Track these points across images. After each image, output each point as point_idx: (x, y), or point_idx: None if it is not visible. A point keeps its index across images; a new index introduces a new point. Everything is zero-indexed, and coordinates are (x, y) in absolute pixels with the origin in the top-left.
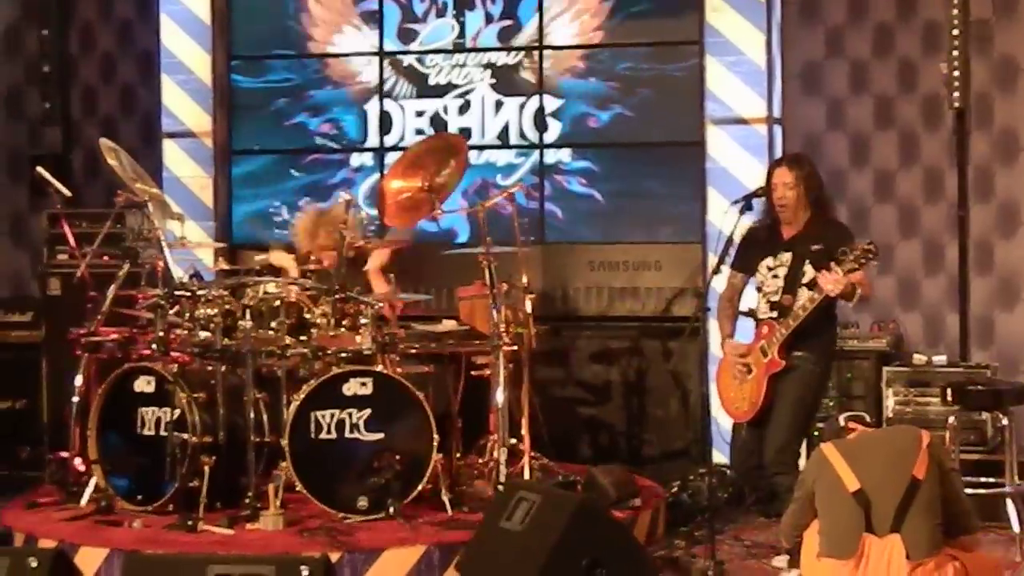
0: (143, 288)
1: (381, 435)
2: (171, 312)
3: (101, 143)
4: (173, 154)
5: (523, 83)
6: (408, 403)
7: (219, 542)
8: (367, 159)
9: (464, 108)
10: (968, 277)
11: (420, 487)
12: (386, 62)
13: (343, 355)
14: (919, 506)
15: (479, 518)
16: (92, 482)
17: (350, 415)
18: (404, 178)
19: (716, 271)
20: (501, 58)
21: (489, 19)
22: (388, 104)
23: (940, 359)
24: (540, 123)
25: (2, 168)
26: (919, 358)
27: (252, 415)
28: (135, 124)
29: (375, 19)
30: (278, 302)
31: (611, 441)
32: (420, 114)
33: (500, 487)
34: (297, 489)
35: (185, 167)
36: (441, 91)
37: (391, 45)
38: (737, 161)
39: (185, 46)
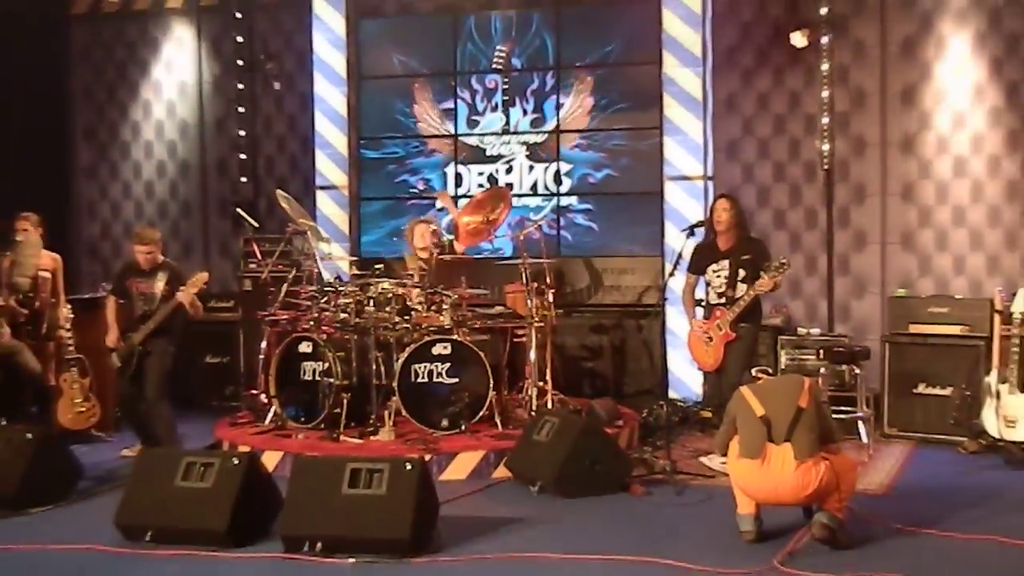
0: (304, 286)
1: (456, 380)
2: (322, 301)
3: (277, 193)
4: (323, 200)
5: (546, 154)
6: (473, 359)
7: (353, 448)
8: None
9: (508, 170)
10: (833, 278)
11: (481, 413)
12: (458, 141)
13: (432, 328)
14: (803, 425)
15: (519, 433)
16: (272, 410)
17: (436, 367)
18: (471, 215)
19: (671, 274)
20: (532, 138)
21: (525, 112)
22: (460, 168)
23: (815, 331)
24: (557, 180)
25: (214, 209)
26: (801, 331)
27: (374, 367)
28: (298, 180)
29: (451, 114)
30: (391, 294)
31: (603, 384)
32: (480, 174)
33: (532, 413)
34: (403, 415)
35: (330, 208)
36: (494, 159)
37: (462, 129)
38: (684, 204)
39: (330, 130)
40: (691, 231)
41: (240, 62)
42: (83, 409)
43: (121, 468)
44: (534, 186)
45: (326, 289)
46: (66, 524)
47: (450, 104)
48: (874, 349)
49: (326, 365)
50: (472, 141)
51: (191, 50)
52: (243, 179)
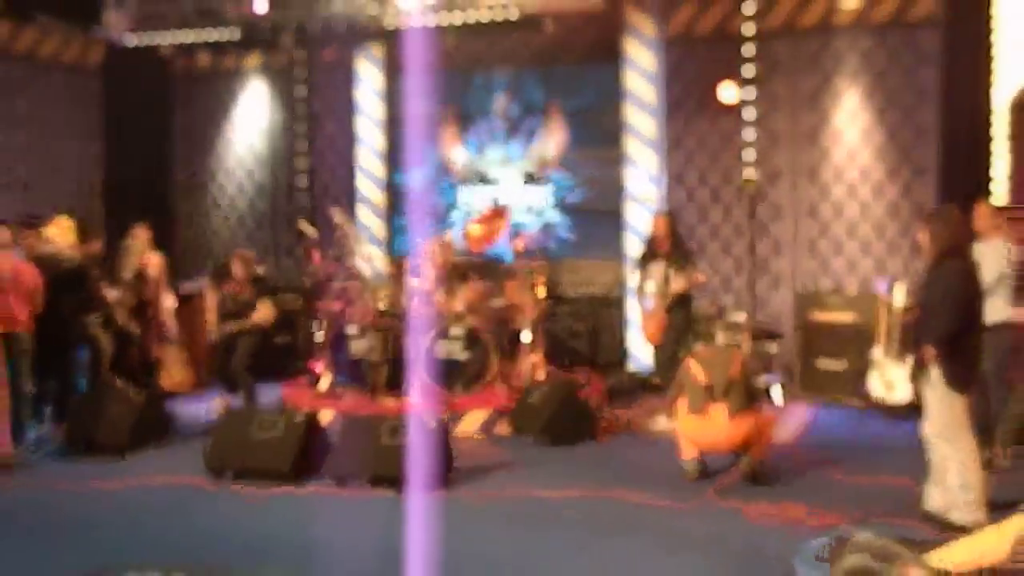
0: (351, 281)
1: (469, 355)
2: (366, 293)
3: (331, 209)
4: (365, 214)
5: (537, 179)
6: (482, 339)
7: (389, 408)
8: (460, 216)
9: (507, 193)
10: (755, 277)
11: (487, 380)
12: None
13: (450, 315)
14: (734, 390)
15: (517, 396)
16: (326, 379)
17: (453, 345)
18: (479, 226)
19: (631, 274)
20: (526, 167)
21: (520, 147)
22: (469, 189)
23: (742, 317)
24: (545, 200)
25: (282, 222)
26: (732, 317)
27: (405, 345)
28: (346, 199)
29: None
30: (418, 289)
31: (579, 357)
32: (487, 195)
33: (526, 382)
34: (427, 382)
35: (371, 220)
36: (496, 182)
37: (473, 157)
38: (640, 220)
39: (371, 160)
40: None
41: (302, 109)
42: (180, 376)
43: (209, 422)
44: (528, 205)
45: (368, 284)
46: (166, 464)
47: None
48: (786, 331)
49: (368, 344)
50: (478, 169)
51: (265, 100)
52: (304, 199)
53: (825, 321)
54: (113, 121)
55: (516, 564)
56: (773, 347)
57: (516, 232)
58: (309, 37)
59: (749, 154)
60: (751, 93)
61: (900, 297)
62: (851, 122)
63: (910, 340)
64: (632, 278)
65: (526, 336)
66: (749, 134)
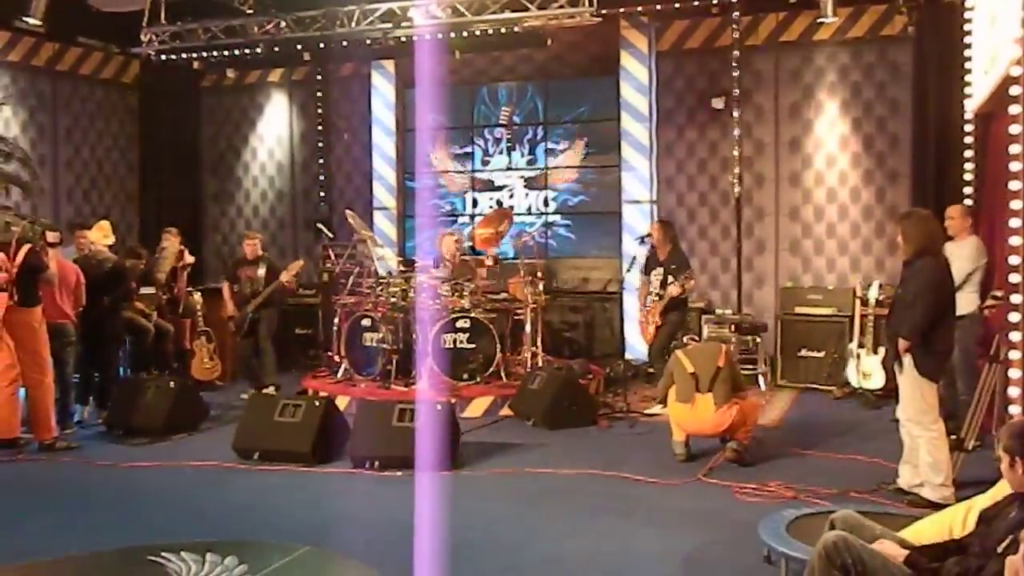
0: (365, 279)
1: (474, 345)
2: (378, 289)
3: (346, 212)
4: (378, 217)
5: (539, 184)
6: (486, 331)
7: (400, 394)
8: (466, 220)
9: (511, 196)
10: (741, 274)
11: (491, 369)
12: (474, 176)
13: (456, 308)
14: (720, 379)
15: (519, 383)
16: (342, 367)
17: (459, 336)
18: (484, 228)
19: (627, 271)
20: (528, 173)
21: (523, 155)
22: (475, 195)
23: (728, 311)
24: (546, 203)
25: (301, 224)
26: (719, 312)
27: (414, 336)
28: (361, 203)
29: (468, 157)
30: (426, 284)
31: (578, 348)
32: (491, 199)
33: (528, 369)
34: (435, 370)
35: (384, 223)
36: (500, 188)
37: (477, 167)
38: (636, 221)
39: (384, 167)
40: (641, 240)
41: (320, 120)
42: (209, 366)
43: (236, 408)
44: (530, 208)
45: (381, 281)
46: (197, 447)
47: (470, 149)
48: (770, 324)
49: (381, 335)
50: (484, 176)
51: (285, 111)
52: (322, 203)
53: (806, 315)
54: (148, 132)
55: (518, 537)
56: (757, 339)
57: (519, 232)
58: (327, 53)
59: (735, 161)
60: (738, 104)
61: (875, 292)
62: (830, 132)
63: (885, 332)
64: (636, 282)
65: (527, 328)
66: (735, 143)
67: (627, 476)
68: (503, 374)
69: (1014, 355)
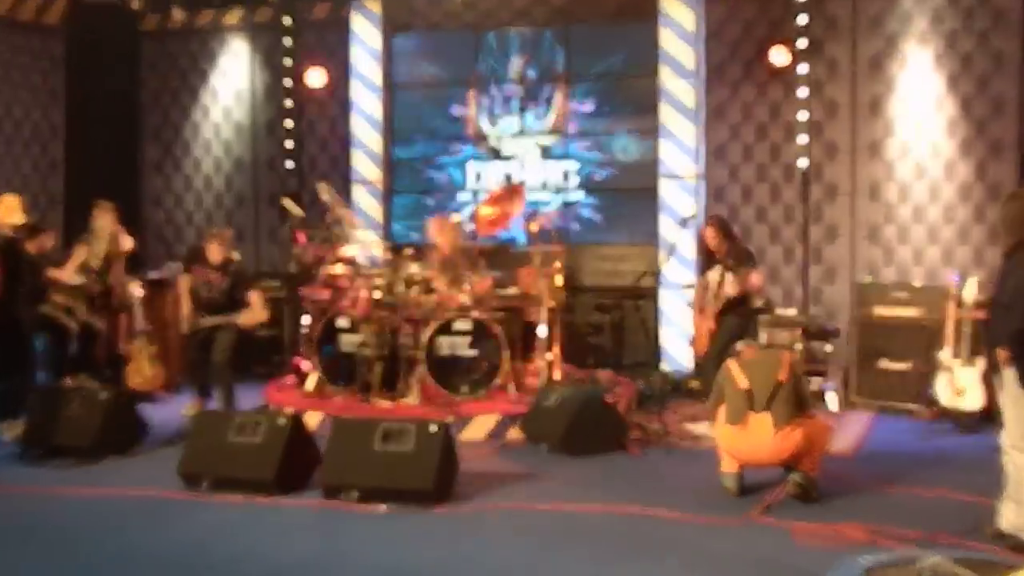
0: (342, 268)
1: (476, 352)
2: (359, 281)
3: (319, 186)
4: (359, 193)
5: (557, 154)
6: (491, 334)
7: (384, 410)
8: (468, 196)
9: (523, 169)
10: (808, 266)
11: (497, 381)
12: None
13: (454, 306)
14: (781, 397)
15: (531, 399)
16: (314, 376)
17: (458, 340)
18: (490, 207)
19: (665, 261)
20: (544, 140)
21: (539, 117)
22: (480, 165)
23: (792, 312)
24: (567, 178)
25: (264, 200)
26: (780, 312)
27: (402, 340)
28: (338, 176)
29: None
30: (419, 276)
31: (604, 356)
32: (498, 172)
33: (542, 383)
34: (428, 382)
35: (366, 200)
36: (509, 159)
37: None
38: (676, 200)
39: (367, 133)
40: (683, 223)
41: (288, 72)
42: (149, 373)
43: (182, 425)
44: (545, 183)
45: (362, 271)
46: (134, 472)
47: (473, 110)
48: (843, 329)
49: (361, 338)
50: (491, 143)
51: (245, 61)
52: (290, 175)
53: (887, 317)
54: (76, 86)
55: None
56: (827, 347)
57: (532, 213)
58: None
59: (802, 127)
60: (805, 57)
61: (972, 291)
62: (919, 92)
63: (983, 339)
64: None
65: (542, 331)
66: (802, 104)
67: (664, 514)
68: (511, 387)
69: None
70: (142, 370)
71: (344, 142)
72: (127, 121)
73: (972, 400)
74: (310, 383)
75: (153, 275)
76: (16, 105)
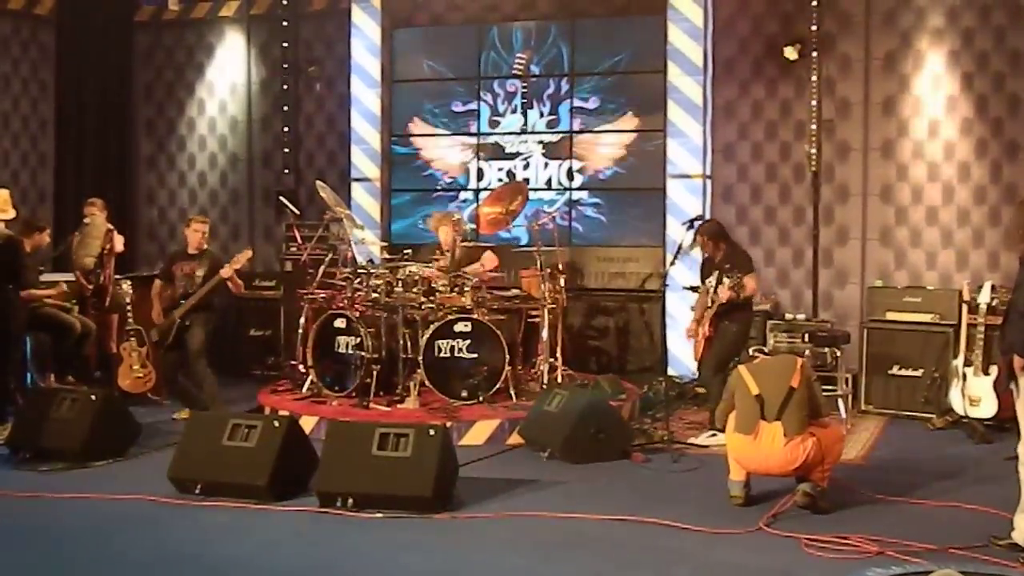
0: (339, 268)
1: (476, 355)
2: (356, 282)
3: (316, 183)
4: (357, 191)
5: (560, 152)
6: (491, 336)
7: (381, 415)
8: (469, 195)
9: (526, 167)
10: (817, 269)
11: (497, 385)
12: (481, 140)
13: (454, 308)
14: (793, 404)
15: (531, 404)
16: (309, 379)
17: (457, 343)
18: (491, 206)
19: (672, 263)
20: (548, 138)
21: (541, 115)
22: (481, 163)
23: (801, 317)
24: (570, 176)
25: (260, 198)
26: (789, 316)
27: (401, 342)
28: (336, 173)
29: (475, 115)
30: (417, 276)
31: (608, 360)
32: (500, 170)
33: (544, 387)
34: (426, 385)
35: (364, 198)
36: (512, 156)
37: (484, 129)
38: (684, 200)
39: (365, 128)
40: (690, 224)
41: (285, 65)
42: (140, 375)
43: (174, 428)
44: (549, 181)
45: (359, 271)
46: (125, 477)
47: (475, 106)
48: (853, 334)
49: (358, 339)
50: (493, 140)
51: (241, 54)
52: (286, 171)
53: (899, 323)
54: (66, 78)
55: None
56: (838, 352)
57: (535, 212)
58: None
59: (813, 126)
60: (816, 55)
61: (986, 296)
62: (933, 90)
63: (998, 346)
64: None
65: (544, 334)
66: (813, 103)
67: (668, 523)
68: (512, 392)
69: None
70: (133, 371)
71: (342, 138)
72: (119, 114)
73: (986, 409)
74: (305, 386)
75: (147, 274)
76: (4, 97)
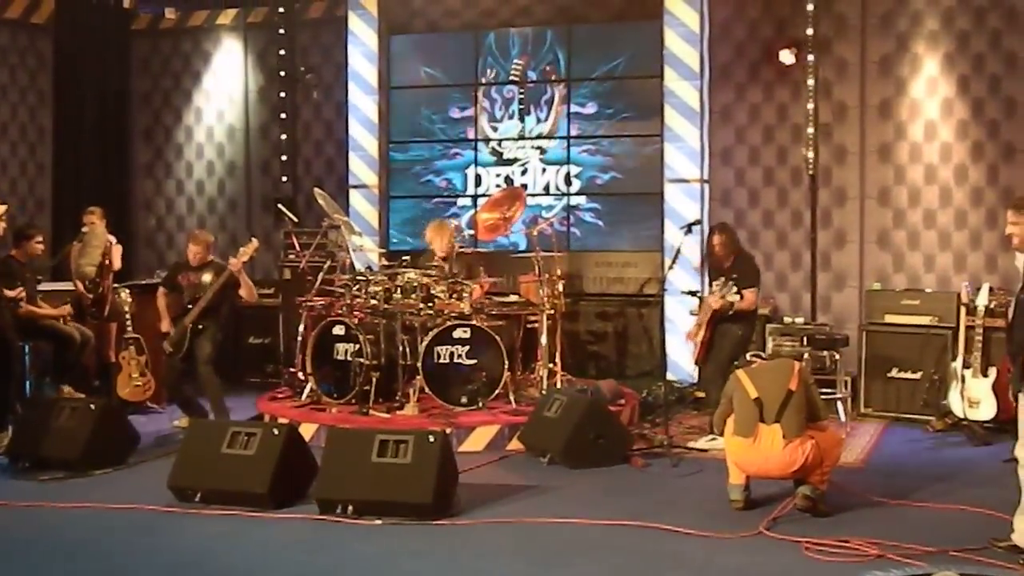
0: (338, 275)
1: (475, 361)
2: (354, 289)
3: (314, 191)
4: (355, 198)
5: (558, 158)
6: (490, 343)
7: (381, 421)
8: (467, 202)
9: (524, 172)
10: (816, 272)
11: (497, 391)
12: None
13: (453, 314)
14: (792, 407)
15: (531, 410)
16: (308, 386)
17: (457, 349)
18: (489, 212)
19: (670, 268)
20: (545, 144)
21: (539, 120)
22: (479, 169)
23: (799, 320)
24: (567, 181)
25: (258, 205)
26: (787, 320)
27: (400, 349)
28: (334, 180)
29: (472, 121)
30: (416, 283)
31: (607, 365)
32: (498, 175)
33: (543, 392)
34: (426, 392)
35: (362, 205)
36: (510, 162)
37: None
38: (682, 204)
39: (363, 135)
40: (688, 229)
41: (282, 73)
42: (139, 383)
43: (173, 436)
44: (546, 187)
45: (358, 278)
46: (124, 485)
47: (472, 112)
48: (852, 337)
49: (357, 346)
50: (491, 145)
51: (239, 62)
52: (284, 178)
53: (897, 325)
54: (64, 87)
55: None
56: (837, 356)
57: (533, 218)
58: None
59: (810, 129)
60: (812, 59)
61: (984, 298)
62: (929, 93)
63: (1006, 348)
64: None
65: (543, 340)
66: (809, 107)
67: (668, 528)
68: (512, 398)
69: None
70: (131, 380)
71: (340, 145)
72: (117, 123)
73: (985, 411)
74: (304, 393)
75: (145, 282)
76: (2, 106)
